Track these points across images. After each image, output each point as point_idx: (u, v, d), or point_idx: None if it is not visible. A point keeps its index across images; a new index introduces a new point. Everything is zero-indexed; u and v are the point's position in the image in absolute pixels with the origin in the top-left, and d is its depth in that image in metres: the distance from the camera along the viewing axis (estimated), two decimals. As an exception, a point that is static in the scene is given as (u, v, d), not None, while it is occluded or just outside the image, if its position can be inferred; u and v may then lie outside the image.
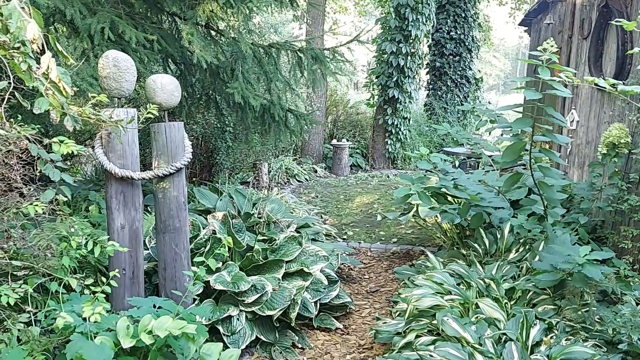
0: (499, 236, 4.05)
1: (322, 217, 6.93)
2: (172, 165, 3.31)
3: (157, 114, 3.04)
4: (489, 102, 13.12)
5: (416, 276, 3.70)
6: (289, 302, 3.42)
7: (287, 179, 9.57)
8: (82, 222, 4.05)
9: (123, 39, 3.95)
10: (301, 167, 10.07)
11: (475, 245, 4.11)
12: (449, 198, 4.06)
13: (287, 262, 3.83)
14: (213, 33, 5.04)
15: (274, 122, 5.45)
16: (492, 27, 16.47)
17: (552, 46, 2.96)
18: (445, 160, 3.88)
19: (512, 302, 3.23)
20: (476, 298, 3.23)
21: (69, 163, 6.92)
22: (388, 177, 10.02)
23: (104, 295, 3.00)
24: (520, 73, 60.29)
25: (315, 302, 3.69)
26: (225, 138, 7.42)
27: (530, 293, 3.25)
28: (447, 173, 3.59)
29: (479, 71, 12.44)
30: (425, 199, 3.42)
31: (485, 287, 3.28)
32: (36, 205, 2.55)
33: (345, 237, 6.17)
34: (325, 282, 3.79)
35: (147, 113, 2.67)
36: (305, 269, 3.75)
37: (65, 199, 2.55)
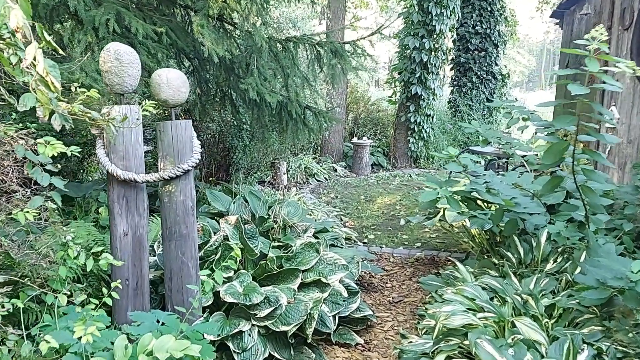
0: (534, 244, 3.71)
1: (341, 220, 6.63)
2: (178, 167, 3.05)
3: (154, 112, 2.77)
4: (516, 99, 12.64)
5: (444, 289, 3.39)
6: (305, 317, 3.14)
7: (306, 178, 9.29)
8: (87, 227, 3.86)
9: (130, 31, 3.71)
10: (320, 166, 9.79)
11: (508, 254, 3.77)
12: (479, 202, 3.73)
13: (303, 271, 3.54)
14: (227, 26, 4.78)
15: (291, 120, 5.17)
16: (518, 22, 15.95)
17: (601, 34, 2.62)
18: (476, 161, 3.55)
19: (552, 321, 2.89)
20: (512, 316, 2.91)
21: (84, 163, 6.74)
22: (410, 176, 9.67)
23: (107, 307, 2.78)
24: (546, 69, 59.06)
25: (334, 316, 3.40)
26: (242, 136, 7.17)
27: (573, 311, 2.91)
28: (478, 175, 3.27)
29: (505, 67, 11.98)
30: (455, 204, 3.10)
31: (522, 303, 2.95)
32: (27, 211, 2.31)
33: (365, 240, 5.87)
34: (345, 294, 3.50)
35: (143, 110, 2.39)
36: (323, 279, 3.47)
37: (55, 207, 2.29)
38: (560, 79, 8.09)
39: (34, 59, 2.04)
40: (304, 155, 9.79)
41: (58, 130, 1.97)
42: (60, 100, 2.11)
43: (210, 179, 7.52)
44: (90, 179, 7.04)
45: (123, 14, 3.68)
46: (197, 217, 4.49)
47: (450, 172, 7.30)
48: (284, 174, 8.59)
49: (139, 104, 2.71)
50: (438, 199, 3.11)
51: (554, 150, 2.72)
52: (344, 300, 3.48)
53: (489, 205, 4.00)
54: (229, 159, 7.62)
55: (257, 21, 4.26)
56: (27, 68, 2.05)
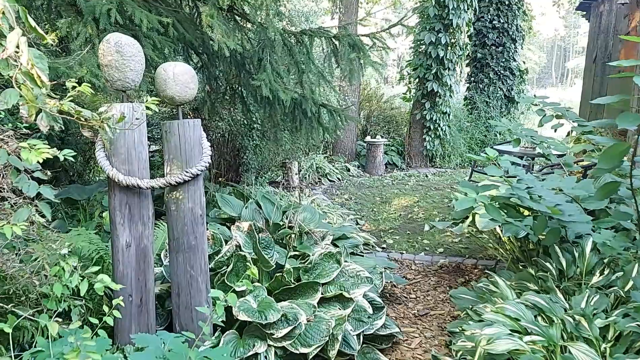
0: (576, 255, 3.37)
1: (357, 223, 6.31)
2: (186, 172, 2.75)
3: (157, 109, 2.46)
4: (534, 96, 12.25)
5: (480, 305, 3.06)
6: (327, 337, 2.82)
7: (319, 178, 8.97)
8: (88, 235, 3.56)
9: (134, 23, 3.40)
10: (333, 166, 9.47)
11: (548, 264, 3.43)
12: (519, 208, 3.40)
13: (323, 284, 3.23)
14: (238, 19, 4.46)
15: (305, 119, 4.85)
16: (534, 17, 15.53)
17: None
18: (518, 164, 3.21)
19: (608, 345, 2.56)
20: (562, 339, 2.58)
21: (90, 162, 6.47)
22: (426, 176, 9.34)
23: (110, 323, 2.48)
24: (556, 66, 58.36)
25: (358, 335, 3.08)
26: (252, 136, 6.86)
27: (632, 334, 2.57)
28: (520, 180, 2.94)
29: (524, 62, 11.59)
30: (495, 212, 2.78)
31: (574, 325, 2.61)
32: (13, 225, 2.01)
33: (384, 246, 5.54)
34: (370, 310, 3.18)
35: (146, 109, 2.08)
36: (345, 294, 3.15)
37: (44, 220, 1.98)
38: (606, 72, 7.71)
39: (17, 47, 1.74)
40: (316, 154, 9.47)
41: (45, 132, 1.66)
42: (51, 97, 1.81)
43: (220, 179, 7.22)
44: (98, 179, 6.77)
45: (126, 3, 3.38)
46: (207, 224, 4.19)
47: (471, 173, 6.96)
48: (296, 174, 8.29)
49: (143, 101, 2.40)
50: (474, 207, 2.79)
51: (612, 152, 2.39)
52: (368, 317, 3.16)
53: (523, 210, 3.66)
54: (239, 159, 7.32)
55: (270, 11, 3.94)
56: (10, 59, 1.75)
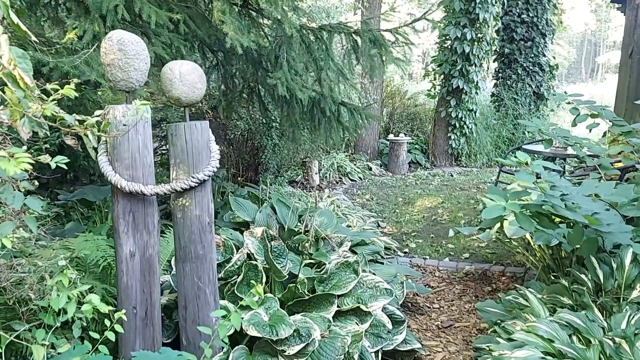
0: (614, 266, 3.10)
1: (378, 225, 6.09)
2: (192, 177, 2.58)
3: (143, 114, 2.29)
4: (565, 93, 11.79)
5: (509, 322, 2.82)
6: (343, 356, 2.63)
7: (339, 177, 8.77)
8: (95, 240, 3.43)
9: (142, 19, 3.25)
10: (354, 165, 9.25)
11: (583, 276, 3.18)
12: (553, 217, 3.15)
13: (339, 296, 3.04)
14: (253, 14, 4.28)
15: (324, 118, 4.66)
16: (564, 10, 15.00)
17: None
18: (552, 169, 2.96)
19: (654, 372, 2.31)
20: (601, 363, 2.34)
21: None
22: (451, 176, 9.05)
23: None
24: (586, 61, 56.90)
25: (377, 352, 2.88)
26: (271, 135, 6.70)
27: (681, 359, 2.32)
28: (554, 186, 2.70)
29: (554, 57, 11.16)
30: (526, 221, 2.54)
31: (614, 348, 2.37)
32: (3, 238, 1.86)
33: (406, 250, 5.31)
34: (389, 325, 2.97)
35: (136, 110, 1.90)
36: (363, 307, 2.95)
37: (30, 234, 1.83)
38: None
39: (-3, 47, 1.58)
40: (337, 153, 9.27)
41: (27, 138, 1.51)
42: (34, 101, 1.65)
43: (239, 179, 7.09)
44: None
45: (135, -1, 3.23)
46: (220, 228, 4.03)
47: (498, 174, 6.67)
48: (316, 173, 8.11)
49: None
50: (504, 216, 2.57)
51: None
52: (388, 332, 2.95)
53: (556, 217, 3.40)
54: (258, 158, 7.17)
55: (287, 6, 3.75)
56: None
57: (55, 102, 1.91)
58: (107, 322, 2.34)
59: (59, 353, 2.00)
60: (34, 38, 1.60)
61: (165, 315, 3.00)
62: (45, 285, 2.01)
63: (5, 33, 1.60)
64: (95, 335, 2.36)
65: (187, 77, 2.59)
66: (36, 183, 1.73)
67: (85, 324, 2.77)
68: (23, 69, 1.62)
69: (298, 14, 4.30)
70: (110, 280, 3.18)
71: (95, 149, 1.93)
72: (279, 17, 3.78)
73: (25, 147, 1.73)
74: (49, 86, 1.55)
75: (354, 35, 4.50)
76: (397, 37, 4.55)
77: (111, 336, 2.31)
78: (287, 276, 3.09)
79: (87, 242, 3.29)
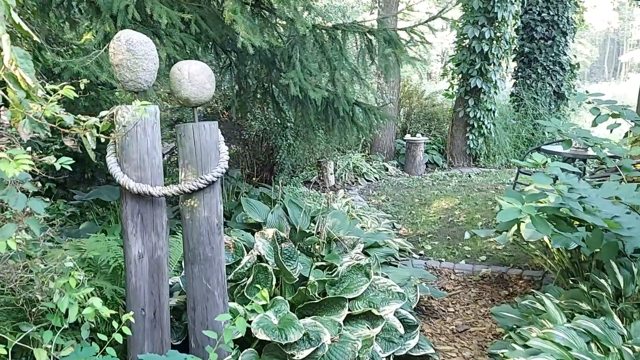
0: (635, 271, 3.00)
1: (394, 226, 6.02)
2: (201, 178, 2.55)
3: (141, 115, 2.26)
4: (587, 92, 11.54)
5: (525, 328, 2.74)
6: (353, 361, 2.58)
7: (355, 178, 8.70)
8: (106, 241, 3.42)
9: (153, 19, 3.24)
10: (370, 165, 9.18)
11: (602, 281, 3.08)
12: (570, 220, 3.05)
13: (350, 299, 2.98)
14: (266, 13, 4.25)
15: (338, 118, 4.61)
16: (586, 8, 14.70)
17: None
18: (569, 171, 2.87)
19: (676, 383, 2.21)
20: (620, 373, 2.25)
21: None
22: (469, 176, 8.92)
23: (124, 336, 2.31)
24: (609, 60, 55.87)
25: (388, 357, 2.82)
26: (286, 135, 6.67)
27: None
28: (572, 188, 2.61)
29: (575, 56, 10.93)
30: (542, 225, 2.46)
31: (634, 357, 2.28)
32: (8, 239, 1.85)
33: (422, 252, 5.23)
34: (401, 330, 2.91)
35: (133, 111, 1.87)
36: (375, 311, 2.89)
37: (30, 237, 1.81)
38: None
39: (-1, 47, 1.57)
40: (353, 153, 9.20)
41: (25, 141, 1.49)
42: (35, 102, 1.63)
43: (253, 179, 7.07)
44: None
45: (146, -1, 3.22)
46: (231, 229, 4.00)
47: (517, 175, 6.55)
48: (331, 174, 8.06)
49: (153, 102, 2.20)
50: (519, 219, 2.49)
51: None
52: (400, 337, 2.89)
53: (574, 221, 3.30)
54: (273, 158, 7.14)
55: (299, 5, 3.70)
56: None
57: (69, 103, 1.88)
58: (115, 324, 2.33)
59: (63, 356, 1.97)
60: (36, 38, 1.58)
61: (174, 317, 2.99)
62: (50, 287, 1.98)
63: (6, 33, 1.58)
64: (103, 337, 2.35)
65: (196, 78, 2.56)
66: (39, 184, 1.70)
67: (94, 325, 2.78)
68: (25, 69, 1.60)
69: (311, 14, 4.26)
70: (121, 281, 3.17)
71: (95, 150, 1.90)
72: (292, 17, 3.74)
73: (28, 148, 1.72)
74: (48, 86, 1.53)
75: (368, 34, 4.44)
76: (413, 36, 4.48)
77: (119, 338, 2.29)
78: (298, 279, 3.05)
79: (98, 243, 3.29)
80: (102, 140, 1.69)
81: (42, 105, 1.49)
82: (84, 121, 1.61)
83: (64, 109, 1.78)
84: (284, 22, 4.18)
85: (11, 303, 2.50)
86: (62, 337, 2.44)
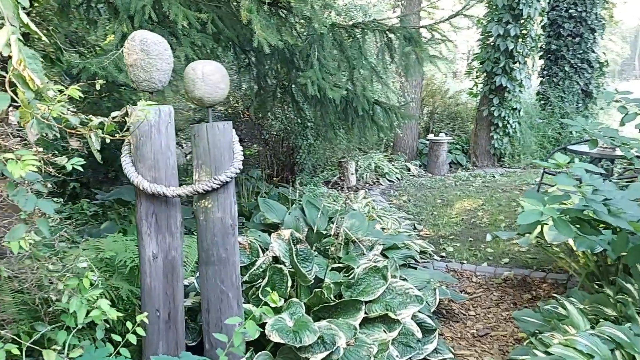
0: (664, 276, 2.88)
1: (415, 228, 5.93)
2: (214, 179, 2.53)
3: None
4: (616, 90, 11.21)
5: (547, 334, 2.65)
6: (368, 365, 2.53)
7: (377, 178, 8.62)
8: (124, 241, 3.43)
9: (170, 19, 3.24)
10: (392, 165, 9.08)
11: (629, 285, 2.96)
12: (594, 222, 2.94)
13: (366, 302, 2.93)
14: (283, 12, 4.22)
15: (357, 117, 4.56)
16: (615, 4, 14.31)
17: None
18: (594, 172, 2.76)
19: None
20: (647, 383, 2.15)
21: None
22: (493, 177, 8.76)
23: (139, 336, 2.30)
24: (641, 57, 54.35)
25: (404, 362, 2.76)
26: (306, 135, 6.64)
27: None
28: (596, 190, 2.51)
29: (604, 54, 10.64)
30: (565, 227, 2.37)
31: (661, 367, 2.18)
32: (20, 240, 1.85)
33: (443, 254, 5.14)
34: (419, 334, 2.85)
35: (137, 113, 1.85)
36: (391, 315, 2.84)
37: (40, 238, 1.81)
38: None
39: (7, 46, 1.57)
40: (374, 153, 9.12)
41: (33, 141, 1.48)
42: (43, 102, 1.63)
43: (274, 179, 7.06)
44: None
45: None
46: (248, 229, 3.99)
47: (542, 175, 6.39)
48: (352, 174, 8.01)
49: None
50: (541, 222, 2.41)
51: None
52: (417, 341, 2.83)
53: (599, 224, 3.18)
54: (293, 158, 7.12)
55: (317, 5, 3.66)
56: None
57: (92, 104, 1.87)
58: (129, 325, 2.32)
59: (72, 358, 1.96)
60: (44, 38, 1.56)
61: (190, 318, 2.98)
62: (59, 288, 1.98)
63: (15, 34, 1.58)
64: (117, 338, 2.34)
65: (210, 77, 2.54)
66: (48, 185, 1.70)
67: (110, 325, 2.78)
68: (33, 69, 1.60)
69: (331, 12, 4.22)
70: (138, 281, 3.18)
71: (100, 151, 1.89)
72: (309, 15, 3.70)
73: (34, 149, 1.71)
74: (53, 86, 1.52)
75: (388, 32, 4.38)
76: (433, 34, 4.40)
77: (133, 339, 2.28)
78: (313, 281, 3.01)
79: (115, 243, 3.30)
80: (108, 140, 1.67)
81: (48, 106, 1.48)
82: (90, 121, 1.60)
83: (89, 110, 1.79)
84: (303, 21, 4.14)
85: (28, 302, 2.52)
86: (78, 337, 2.45)
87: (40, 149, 1.85)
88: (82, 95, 1.53)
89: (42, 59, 3.64)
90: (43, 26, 3.56)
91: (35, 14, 3.80)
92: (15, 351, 2.00)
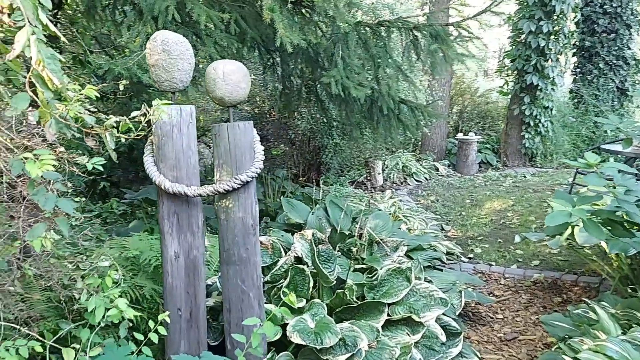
0: None
1: (442, 228, 5.84)
2: (235, 178, 2.52)
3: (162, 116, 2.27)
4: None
5: (576, 339, 2.56)
6: (390, 368, 2.48)
7: (404, 178, 8.53)
8: (149, 240, 3.46)
9: (192, 19, 3.25)
10: (420, 165, 8.98)
11: (665, 291, 2.84)
12: (627, 224, 2.83)
13: (389, 304, 2.89)
14: (306, 11, 4.19)
15: (382, 116, 4.50)
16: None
17: None
18: (626, 172, 2.65)
19: None
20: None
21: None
22: (524, 177, 8.56)
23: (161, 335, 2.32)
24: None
25: (427, 365, 2.71)
26: (332, 134, 6.60)
27: None
28: (629, 190, 2.41)
29: (640, 50, 10.30)
30: (595, 229, 2.28)
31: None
32: (43, 239, 1.87)
33: (471, 256, 5.04)
34: (443, 337, 2.79)
35: (152, 113, 1.85)
36: (415, 317, 2.78)
37: (59, 237, 1.83)
38: None
39: (27, 46, 1.58)
40: (402, 152, 9.03)
41: (50, 141, 1.49)
42: (61, 102, 1.64)
43: (300, 179, 7.06)
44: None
45: (187, 0, 3.23)
46: (271, 229, 3.98)
47: (575, 175, 6.21)
48: (379, 173, 7.94)
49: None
50: (570, 223, 2.32)
51: None
52: (442, 345, 2.77)
53: (632, 225, 3.06)
54: (320, 158, 7.10)
55: (341, 3, 3.63)
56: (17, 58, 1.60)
57: (122, 105, 1.88)
58: (151, 324, 2.34)
59: (92, 356, 1.98)
60: (63, 39, 1.57)
61: (212, 317, 2.99)
62: (77, 285, 2.00)
63: (35, 34, 1.59)
64: (140, 337, 2.36)
65: (231, 77, 2.54)
66: (69, 184, 1.71)
67: (133, 324, 2.81)
68: (52, 69, 1.61)
69: (355, 10, 4.18)
70: (161, 280, 3.20)
71: (130, 151, 1.90)
72: (332, 14, 3.67)
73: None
74: (71, 86, 1.53)
75: (414, 30, 4.31)
76: (460, 31, 4.31)
77: (154, 338, 2.30)
78: (335, 282, 2.97)
79: (141, 242, 3.34)
80: (123, 140, 1.68)
81: (66, 106, 1.49)
82: (105, 120, 1.61)
83: (119, 111, 1.80)
84: (326, 20, 4.12)
85: (53, 300, 2.56)
86: (102, 336, 2.48)
87: (62, 149, 1.87)
88: (110, 96, 1.53)
89: (71, 61, 3.70)
90: (70, 29, 3.62)
91: (64, 17, 3.87)
92: (39, 349, 2.03)
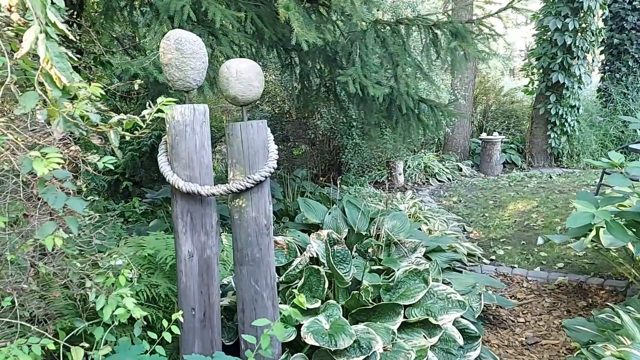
0: None
1: (464, 230, 5.74)
2: (248, 178, 2.50)
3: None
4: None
5: (600, 345, 2.47)
6: (405, 372, 2.43)
7: (426, 178, 8.43)
8: (165, 239, 3.47)
9: (208, 18, 3.25)
10: (443, 165, 8.86)
11: (695, 296, 2.73)
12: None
13: (406, 306, 2.83)
14: (324, 10, 4.16)
15: (401, 116, 4.44)
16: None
17: None
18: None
19: None
20: None
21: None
22: (550, 177, 8.38)
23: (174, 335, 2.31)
24: None
25: (444, 369, 2.65)
26: (351, 134, 6.56)
27: None
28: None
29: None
30: (619, 231, 2.19)
31: None
32: (55, 237, 1.88)
33: (493, 257, 4.94)
34: (461, 341, 2.72)
35: (155, 111, 1.83)
36: (432, 320, 2.72)
37: (68, 235, 1.83)
38: None
39: (35, 45, 1.58)
40: (424, 152, 8.93)
41: (58, 139, 1.49)
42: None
43: (320, 179, 7.02)
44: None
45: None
46: (287, 229, 3.96)
47: (602, 176, 6.05)
48: (400, 174, 7.86)
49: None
50: (593, 225, 2.23)
51: None
52: (459, 348, 2.71)
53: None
54: (339, 158, 7.06)
55: (357, 2, 3.57)
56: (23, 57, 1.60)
57: (142, 106, 1.86)
58: (165, 323, 2.33)
59: (104, 355, 1.97)
60: (71, 37, 1.57)
61: (226, 317, 2.97)
62: (86, 284, 2.00)
63: (43, 33, 1.59)
64: (153, 336, 2.36)
65: (244, 76, 2.52)
66: (78, 183, 1.71)
67: (149, 322, 2.81)
68: (60, 68, 1.61)
69: (377, 9, 4.13)
70: (174, 280, 3.21)
71: (152, 151, 1.90)
72: (349, 12, 3.62)
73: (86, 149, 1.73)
74: (77, 84, 1.52)
75: (433, 28, 4.24)
76: (482, 28, 4.23)
77: (167, 337, 2.29)
78: (350, 283, 2.93)
79: (157, 241, 3.35)
80: (127, 138, 1.67)
81: (73, 104, 1.48)
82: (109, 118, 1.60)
83: (140, 110, 1.81)
84: (344, 18, 4.08)
85: (68, 298, 2.58)
86: (117, 334, 2.48)
87: (76, 147, 1.87)
88: (133, 97, 1.53)
89: (92, 62, 3.73)
90: (91, 30, 3.65)
91: (86, 18, 3.92)
92: (51, 346, 2.03)
